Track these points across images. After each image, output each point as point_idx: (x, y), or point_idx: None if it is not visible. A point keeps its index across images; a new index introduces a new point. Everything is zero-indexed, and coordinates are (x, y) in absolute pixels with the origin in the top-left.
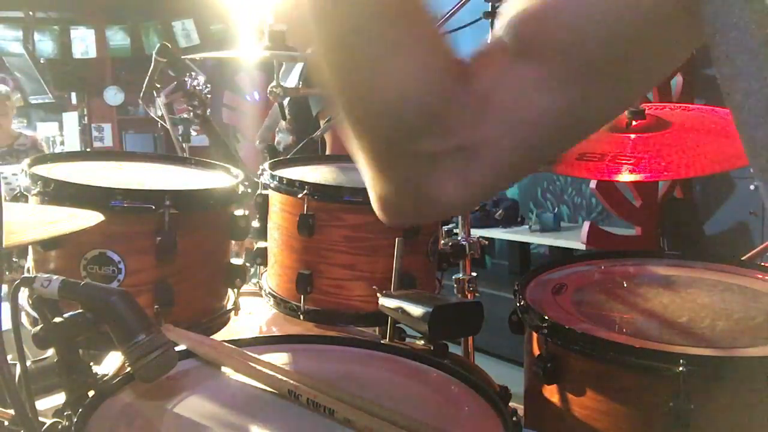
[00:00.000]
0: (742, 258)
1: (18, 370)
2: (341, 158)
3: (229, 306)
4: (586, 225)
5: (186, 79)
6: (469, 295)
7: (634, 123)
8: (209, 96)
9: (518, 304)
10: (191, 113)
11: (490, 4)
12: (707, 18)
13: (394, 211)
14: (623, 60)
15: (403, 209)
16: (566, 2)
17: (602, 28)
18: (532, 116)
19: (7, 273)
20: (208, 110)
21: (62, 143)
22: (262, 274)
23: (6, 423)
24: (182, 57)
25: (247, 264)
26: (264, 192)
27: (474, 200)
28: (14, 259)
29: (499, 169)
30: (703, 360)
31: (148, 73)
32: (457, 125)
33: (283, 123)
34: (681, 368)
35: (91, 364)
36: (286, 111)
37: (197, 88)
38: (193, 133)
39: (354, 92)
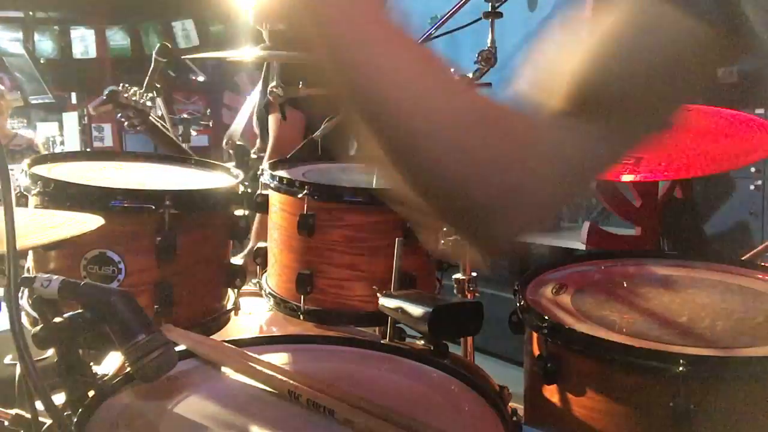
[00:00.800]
0: (743, 258)
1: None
2: (341, 158)
3: (229, 306)
4: (586, 225)
5: (117, 88)
6: (469, 295)
7: None
8: (149, 105)
9: (518, 304)
10: (126, 123)
11: (490, 4)
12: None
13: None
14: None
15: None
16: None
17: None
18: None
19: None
20: (153, 116)
21: (62, 143)
22: (262, 274)
23: (6, 423)
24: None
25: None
26: (264, 192)
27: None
28: None
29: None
30: (703, 360)
31: (148, 74)
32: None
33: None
34: (681, 368)
35: (91, 364)
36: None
37: (133, 98)
38: (194, 134)
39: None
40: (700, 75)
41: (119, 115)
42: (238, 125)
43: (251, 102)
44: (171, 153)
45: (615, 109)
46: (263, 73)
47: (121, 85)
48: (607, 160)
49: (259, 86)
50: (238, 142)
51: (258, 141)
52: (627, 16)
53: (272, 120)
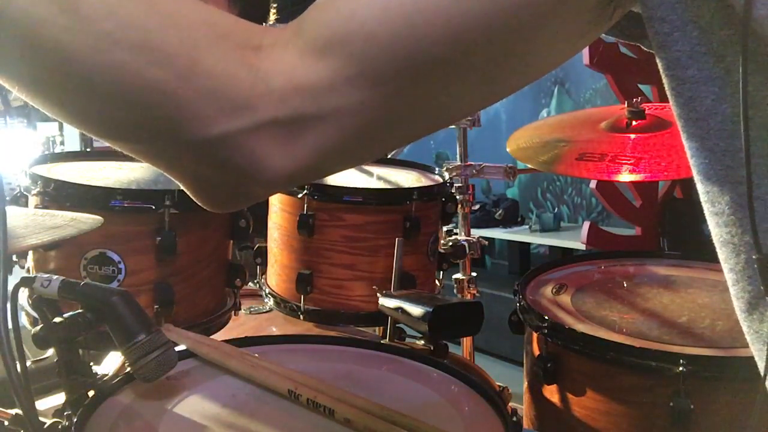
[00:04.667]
0: None
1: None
2: None
3: (229, 306)
4: (586, 225)
5: None
6: (469, 295)
7: (634, 123)
8: None
9: (518, 304)
10: None
11: None
12: (652, 14)
13: (215, 198)
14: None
15: (223, 194)
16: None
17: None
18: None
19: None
20: None
21: (62, 143)
22: (262, 275)
23: (6, 423)
24: None
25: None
26: None
27: (302, 174)
28: (14, 259)
29: (325, 149)
30: (703, 360)
31: None
32: (258, 103)
33: None
34: (681, 368)
35: (91, 364)
36: None
37: None
38: None
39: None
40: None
41: None
42: None
43: None
44: None
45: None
46: None
47: None
48: (385, 116)
49: None
50: None
51: None
52: None
53: None
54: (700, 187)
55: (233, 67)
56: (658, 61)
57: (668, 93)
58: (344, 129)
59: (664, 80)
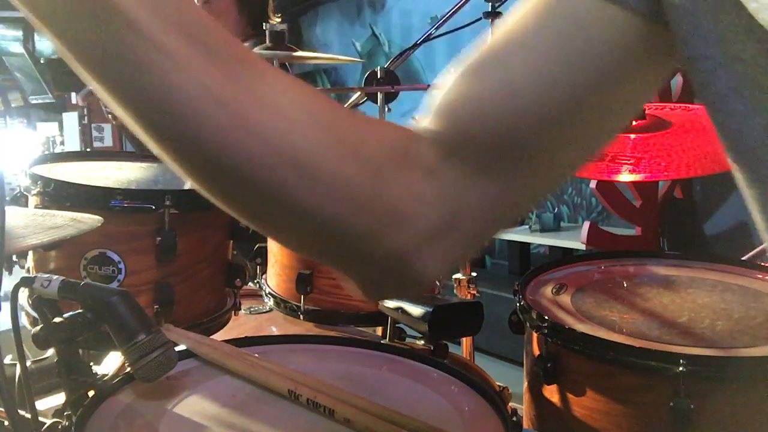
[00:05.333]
0: (742, 258)
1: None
2: None
3: (229, 306)
4: (586, 225)
5: None
6: (469, 295)
7: (634, 123)
8: None
9: (518, 304)
10: (110, 115)
11: (490, 4)
12: (695, 53)
13: (378, 294)
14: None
15: (387, 293)
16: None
17: (533, 113)
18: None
19: (7, 274)
20: None
21: (62, 143)
22: (262, 275)
23: (6, 423)
24: None
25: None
26: None
27: (452, 269)
28: (14, 259)
29: (471, 241)
30: (703, 360)
31: None
32: (420, 219)
33: None
34: (681, 368)
35: (91, 364)
36: None
37: None
38: None
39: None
40: (643, 83)
41: (105, 108)
42: None
43: None
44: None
45: (508, 155)
46: None
47: None
48: (503, 215)
49: None
50: None
51: None
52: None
53: None
54: (757, 218)
55: (401, 190)
56: (699, 98)
57: (715, 126)
58: (480, 224)
59: (709, 114)
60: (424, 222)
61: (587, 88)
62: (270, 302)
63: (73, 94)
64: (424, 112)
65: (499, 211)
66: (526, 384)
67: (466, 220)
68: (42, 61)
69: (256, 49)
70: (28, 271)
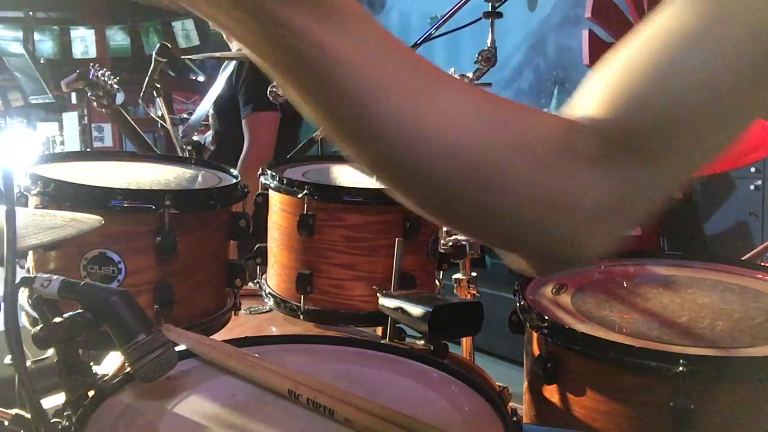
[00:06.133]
0: (742, 258)
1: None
2: (341, 158)
3: (229, 306)
4: None
5: (90, 68)
6: (469, 295)
7: None
8: (116, 87)
9: (518, 304)
10: (95, 103)
11: (490, 4)
12: None
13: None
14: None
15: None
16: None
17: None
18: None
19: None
20: (118, 100)
21: (62, 143)
22: (262, 275)
23: (6, 423)
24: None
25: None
26: (264, 192)
27: (614, 247)
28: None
29: (633, 221)
30: (703, 360)
31: (148, 73)
32: (583, 203)
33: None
34: (681, 368)
35: (91, 364)
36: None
37: (101, 78)
38: (194, 134)
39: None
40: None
41: (90, 93)
42: (196, 120)
43: (212, 94)
44: (134, 142)
45: (664, 145)
46: (235, 66)
47: (92, 65)
48: (653, 200)
49: (222, 78)
50: (194, 138)
51: (211, 133)
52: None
53: (259, 119)
54: None
55: (568, 179)
56: None
57: None
58: (642, 206)
59: None
60: (591, 208)
61: (750, 76)
62: (270, 302)
63: (73, 94)
64: (580, 103)
65: (660, 192)
66: (526, 384)
67: (630, 203)
68: (42, 61)
69: None
70: (28, 271)
